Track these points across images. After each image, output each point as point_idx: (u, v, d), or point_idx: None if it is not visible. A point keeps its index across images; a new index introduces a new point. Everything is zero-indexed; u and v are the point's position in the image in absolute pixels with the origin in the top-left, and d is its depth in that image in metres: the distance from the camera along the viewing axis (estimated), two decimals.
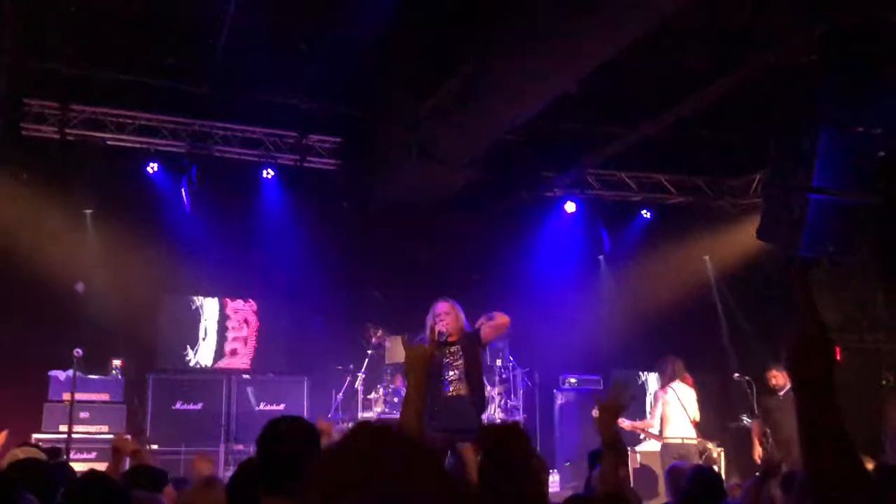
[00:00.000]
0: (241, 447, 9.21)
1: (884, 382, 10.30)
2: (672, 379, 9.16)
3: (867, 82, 8.54)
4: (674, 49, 8.37)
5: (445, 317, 6.88)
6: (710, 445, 9.50)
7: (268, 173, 10.64)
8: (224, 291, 10.51)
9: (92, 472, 4.13)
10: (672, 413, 9.03)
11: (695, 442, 9.07)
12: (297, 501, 2.45)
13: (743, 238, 10.85)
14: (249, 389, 9.87)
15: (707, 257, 12.16)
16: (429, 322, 7.04)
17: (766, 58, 7.78)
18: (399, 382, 9.60)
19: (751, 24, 8.06)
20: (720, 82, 8.26)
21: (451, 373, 6.87)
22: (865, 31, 7.98)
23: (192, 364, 10.29)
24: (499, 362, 10.05)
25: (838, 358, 10.06)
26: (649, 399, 10.74)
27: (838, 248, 9.43)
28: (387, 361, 9.77)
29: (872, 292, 10.57)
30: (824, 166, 8.68)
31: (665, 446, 8.93)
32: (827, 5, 7.26)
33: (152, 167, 10.24)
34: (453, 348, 6.95)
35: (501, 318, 6.89)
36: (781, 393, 8.59)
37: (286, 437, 2.77)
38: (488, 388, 9.43)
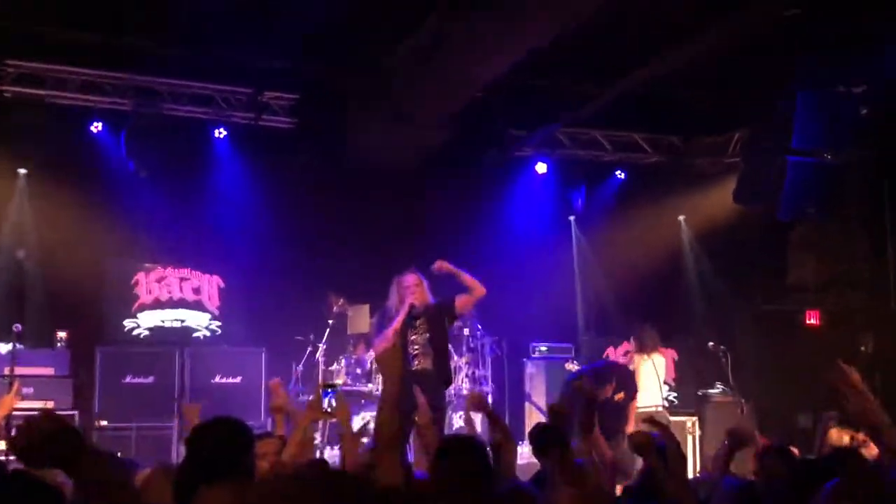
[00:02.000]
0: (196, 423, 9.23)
1: (863, 349, 10.57)
2: (654, 350, 9.48)
3: (849, 38, 8.68)
4: (652, 3, 8.39)
5: (416, 289, 7.15)
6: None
7: (220, 133, 10.61)
8: (174, 258, 10.53)
9: (15, 471, 4.05)
10: (646, 382, 9.31)
11: (663, 410, 9.34)
12: (233, 487, 2.75)
13: (720, 199, 11.15)
14: None
15: (682, 218, 12.32)
16: (394, 296, 7.22)
17: (746, 13, 7.86)
18: (361, 352, 9.72)
19: None
20: (699, 38, 8.33)
21: (415, 347, 7.11)
22: None
23: (137, 335, 10.34)
24: (466, 331, 10.14)
25: (817, 323, 10.28)
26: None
27: (819, 209, 9.72)
28: (349, 331, 9.84)
29: (854, 250, 10.85)
30: (803, 127, 9.00)
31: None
32: None
33: (96, 126, 10.18)
34: (418, 321, 7.22)
35: (478, 289, 7.13)
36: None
37: (214, 441, 2.91)
38: (455, 358, 9.63)
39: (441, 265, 7.14)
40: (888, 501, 2.68)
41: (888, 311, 10.58)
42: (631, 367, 9.38)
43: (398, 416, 3.11)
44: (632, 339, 9.76)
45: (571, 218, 12.19)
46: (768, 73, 9.23)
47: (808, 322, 11.14)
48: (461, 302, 7.26)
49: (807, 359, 10.08)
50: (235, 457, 2.92)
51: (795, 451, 4.49)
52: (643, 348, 9.52)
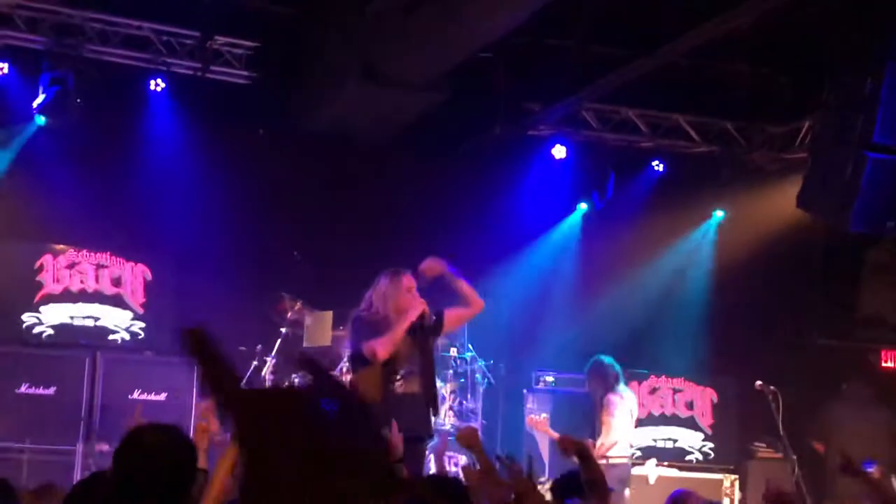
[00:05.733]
0: (106, 447, 9.07)
1: None
2: (617, 381, 9.15)
3: None
4: None
5: (417, 293, 6.98)
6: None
7: (157, 85, 10.52)
8: (90, 239, 10.44)
9: None
10: (621, 424, 9.06)
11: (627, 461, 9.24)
12: None
13: (781, 204, 10.97)
14: None
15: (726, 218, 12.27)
16: (383, 299, 6.94)
17: None
18: None
19: None
20: None
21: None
22: None
23: (38, 333, 10.19)
24: (453, 351, 10.07)
25: None
26: None
27: None
28: (305, 343, 9.85)
29: None
30: (889, 115, 8.77)
31: (612, 467, 8.67)
32: None
33: (1, 68, 10.12)
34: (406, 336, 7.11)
35: (476, 303, 7.00)
36: None
37: (154, 450, 2.96)
38: (439, 383, 9.47)
39: (432, 265, 6.94)
40: None
41: None
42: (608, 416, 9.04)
43: None
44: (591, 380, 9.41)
45: (598, 204, 11.72)
46: (851, 48, 9.12)
47: (884, 365, 11.14)
48: (452, 316, 7.15)
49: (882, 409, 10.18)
50: (179, 480, 2.93)
51: None
52: (610, 380, 9.15)
